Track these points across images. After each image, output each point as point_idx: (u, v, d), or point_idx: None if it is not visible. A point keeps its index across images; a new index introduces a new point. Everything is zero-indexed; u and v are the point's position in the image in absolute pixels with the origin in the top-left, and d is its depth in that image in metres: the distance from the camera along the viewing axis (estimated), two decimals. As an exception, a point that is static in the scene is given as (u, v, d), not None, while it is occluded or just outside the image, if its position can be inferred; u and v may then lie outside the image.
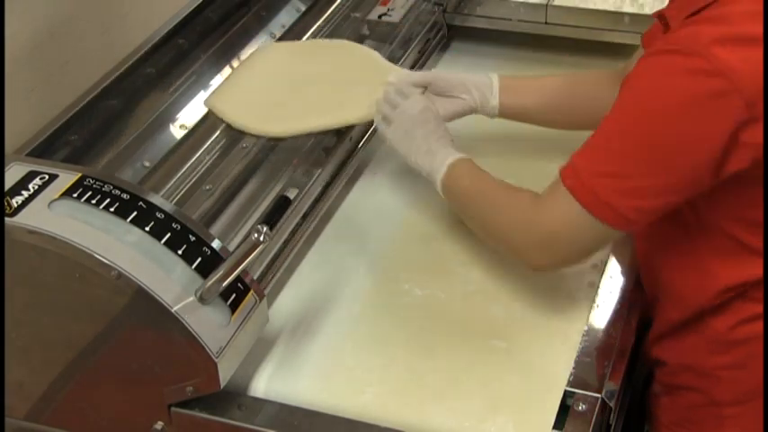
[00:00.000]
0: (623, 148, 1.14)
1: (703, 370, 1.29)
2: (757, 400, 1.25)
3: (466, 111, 1.50)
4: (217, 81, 1.60)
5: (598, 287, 1.34)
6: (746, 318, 1.24)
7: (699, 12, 1.14)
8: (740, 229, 1.20)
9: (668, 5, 1.23)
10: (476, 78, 1.50)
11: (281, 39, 1.72)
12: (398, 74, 1.53)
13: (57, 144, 1.36)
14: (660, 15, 1.24)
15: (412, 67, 1.78)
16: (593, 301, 1.32)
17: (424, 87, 1.49)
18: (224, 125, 1.48)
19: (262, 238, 1.11)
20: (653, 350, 1.37)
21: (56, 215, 1.14)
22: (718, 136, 1.09)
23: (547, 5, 1.83)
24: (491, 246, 1.37)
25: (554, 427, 1.15)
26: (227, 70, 1.64)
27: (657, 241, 1.30)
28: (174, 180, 1.38)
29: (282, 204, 1.39)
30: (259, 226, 1.12)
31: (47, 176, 1.19)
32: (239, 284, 1.17)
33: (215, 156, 1.43)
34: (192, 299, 1.12)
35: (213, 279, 1.11)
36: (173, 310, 1.10)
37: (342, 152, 1.55)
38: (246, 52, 1.68)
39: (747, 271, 1.22)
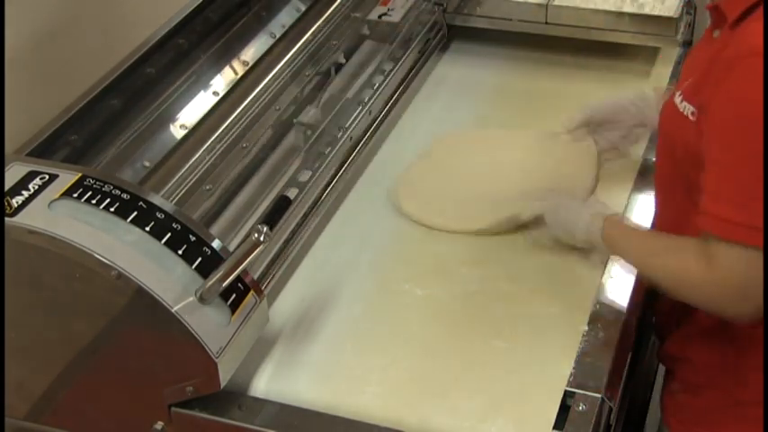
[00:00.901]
0: (752, 171, 1.11)
1: (732, 369, 1.29)
2: None
3: (628, 132, 1.57)
4: (217, 81, 1.61)
5: (598, 287, 1.34)
6: None
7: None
8: None
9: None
10: (632, 96, 1.56)
11: (281, 39, 1.72)
12: (566, 123, 1.60)
13: (57, 144, 1.36)
14: (715, 8, 1.22)
15: (411, 68, 1.79)
16: (594, 300, 1.32)
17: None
18: (225, 125, 1.49)
19: (262, 238, 1.11)
20: (679, 348, 1.37)
21: (56, 215, 1.14)
22: None
23: (547, 5, 1.83)
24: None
25: (554, 427, 1.15)
26: (227, 70, 1.64)
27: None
28: (174, 180, 1.38)
29: (282, 204, 1.39)
30: (259, 226, 1.12)
31: (47, 176, 1.19)
32: (239, 284, 1.17)
33: (215, 156, 1.43)
34: (192, 299, 1.12)
35: (213, 279, 1.11)
36: (173, 311, 1.10)
37: (342, 152, 1.55)
38: (246, 52, 1.68)
39: None
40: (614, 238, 1.33)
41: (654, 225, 1.40)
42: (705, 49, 1.26)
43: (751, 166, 1.10)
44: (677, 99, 1.24)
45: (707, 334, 1.31)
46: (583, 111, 1.60)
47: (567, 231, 1.38)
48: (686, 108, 1.21)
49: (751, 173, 1.10)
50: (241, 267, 1.12)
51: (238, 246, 1.33)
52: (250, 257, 1.12)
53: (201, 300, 1.12)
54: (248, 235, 1.12)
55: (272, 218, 1.36)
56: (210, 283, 1.12)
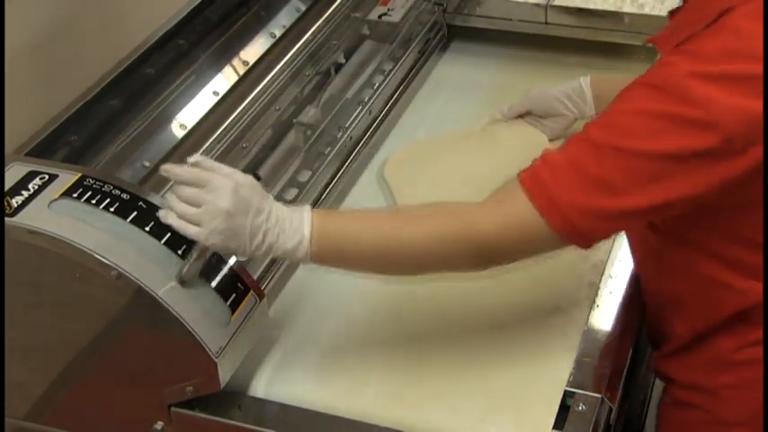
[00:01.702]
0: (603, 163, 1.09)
1: (709, 389, 1.28)
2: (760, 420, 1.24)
3: (570, 124, 1.59)
4: (217, 81, 1.61)
5: (598, 287, 1.34)
6: (751, 341, 1.23)
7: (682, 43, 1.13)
8: (741, 251, 1.19)
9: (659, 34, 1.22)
10: (569, 90, 1.57)
11: (281, 39, 1.72)
12: (499, 111, 1.64)
13: (57, 144, 1.36)
14: (653, 42, 1.21)
15: (411, 68, 1.79)
16: (594, 301, 1.32)
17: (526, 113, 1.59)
18: (225, 125, 1.49)
19: None
20: (662, 366, 1.37)
21: (56, 215, 1.14)
22: (703, 180, 1.07)
23: (547, 5, 1.83)
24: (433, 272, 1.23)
25: (554, 427, 1.15)
26: (227, 70, 1.64)
27: (658, 266, 1.29)
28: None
29: None
30: None
31: (47, 176, 1.19)
32: (239, 284, 1.17)
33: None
34: (193, 300, 1.12)
35: (192, 258, 1.11)
36: (172, 311, 1.10)
37: (342, 152, 1.55)
38: (246, 52, 1.68)
39: (748, 297, 1.21)
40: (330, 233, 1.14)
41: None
42: None
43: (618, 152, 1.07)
44: None
45: (683, 352, 1.31)
46: (522, 102, 1.63)
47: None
48: None
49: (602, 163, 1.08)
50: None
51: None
52: None
53: (182, 283, 1.11)
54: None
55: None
56: (189, 263, 1.11)
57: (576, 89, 1.58)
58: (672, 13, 1.21)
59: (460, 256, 1.15)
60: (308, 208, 1.15)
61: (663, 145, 1.06)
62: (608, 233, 1.18)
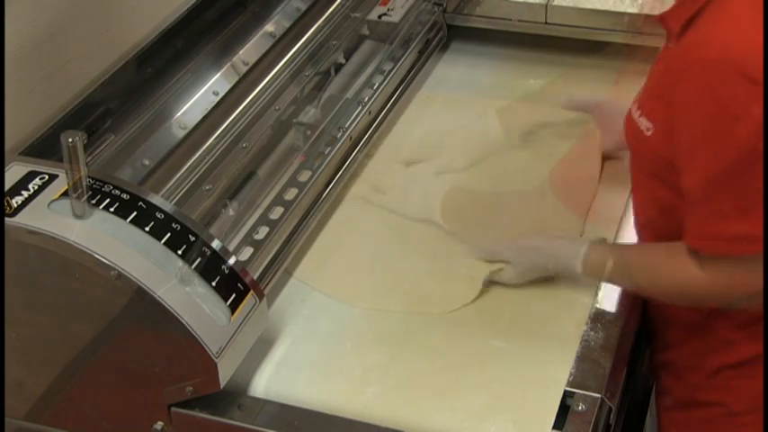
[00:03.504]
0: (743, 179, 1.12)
1: (717, 383, 1.29)
2: None
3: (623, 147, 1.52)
4: (216, 81, 1.60)
5: (598, 287, 1.34)
6: (747, 319, 1.25)
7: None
8: None
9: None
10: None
11: (281, 39, 1.71)
12: (568, 100, 1.62)
13: (57, 144, 1.36)
14: (662, 19, 1.23)
15: (411, 68, 1.79)
16: (594, 301, 1.32)
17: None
18: (225, 125, 1.49)
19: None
20: (662, 357, 1.37)
21: (56, 215, 1.14)
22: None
23: (547, 5, 1.83)
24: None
25: (554, 427, 1.15)
26: (227, 70, 1.64)
27: (667, 221, 1.29)
28: (174, 180, 1.38)
29: None
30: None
31: (47, 176, 1.19)
32: (239, 284, 1.17)
33: (215, 156, 1.43)
34: (193, 300, 1.12)
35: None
36: (172, 311, 1.10)
37: (341, 152, 1.55)
38: (246, 52, 1.68)
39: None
40: (600, 262, 1.29)
41: (636, 225, 1.39)
42: (659, 62, 1.26)
43: (740, 176, 1.11)
44: (635, 113, 1.25)
45: (687, 352, 1.32)
46: (592, 99, 1.61)
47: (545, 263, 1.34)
48: (642, 123, 1.22)
49: (743, 180, 1.11)
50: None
51: (238, 246, 1.34)
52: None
53: (75, 217, 1.12)
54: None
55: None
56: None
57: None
58: None
59: None
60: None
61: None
62: None
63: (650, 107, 1.21)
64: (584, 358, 1.23)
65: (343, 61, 1.71)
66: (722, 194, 1.13)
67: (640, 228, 1.36)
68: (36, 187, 1.17)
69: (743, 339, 1.26)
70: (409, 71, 1.78)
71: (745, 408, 1.28)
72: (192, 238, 1.16)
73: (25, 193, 1.16)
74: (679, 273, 1.21)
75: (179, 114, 1.53)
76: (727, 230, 1.14)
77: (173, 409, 1.18)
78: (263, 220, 1.39)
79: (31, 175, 1.19)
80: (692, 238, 1.18)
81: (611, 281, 1.31)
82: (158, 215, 1.16)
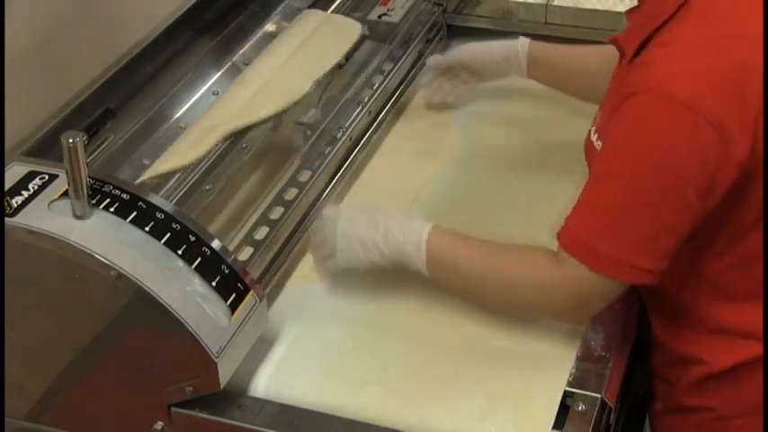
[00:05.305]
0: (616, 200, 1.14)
1: (706, 388, 1.29)
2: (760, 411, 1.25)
3: (499, 78, 1.66)
4: (217, 80, 1.61)
5: (598, 287, 1.34)
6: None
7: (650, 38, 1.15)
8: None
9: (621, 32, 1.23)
10: (504, 51, 1.60)
11: (280, 39, 1.72)
12: (433, 59, 1.68)
13: (57, 144, 1.36)
14: (614, 41, 1.23)
15: (411, 68, 1.79)
16: (593, 301, 1.32)
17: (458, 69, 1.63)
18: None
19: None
20: (660, 373, 1.37)
21: (56, 215, 1.14)
22: (701, 168, 1.10)
23: (547, 5, 1.83)
24: (513, 310, 1.31)
25: (554, 427, 1.15)
26: (227, 70, 1.64)
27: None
28: (174, 180, 1.38)
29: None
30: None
31: (47, 176, 1.19)
32: (239, 284, 1.17)
33: (215, 156, 1.43)
34: (193, 300, 1.12)
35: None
36: (172, 311, 1.10)
37: (341, 152, 1.55)
38: (246, 52, 1.68)
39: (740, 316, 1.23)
40: (442, 250, 1.26)
41: None
42: (612, 84, 1.26)
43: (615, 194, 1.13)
44: (593, 136, 1.26)
45: (671, 359, 1.32)
46: (453, 56, 1.67)
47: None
48: (599, 146, 1.23)
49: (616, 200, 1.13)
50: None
51: (238, 246, 1.34)
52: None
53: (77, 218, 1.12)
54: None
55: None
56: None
57: (512, 51, 1.59)
58: (629, 12, 1.23)
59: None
60: (426, 228, 1.27)
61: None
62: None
63: (604, 129, 1.21)
64: (584, 358, 1.23)
65: (343, 61, 1.71)
66: (617, 212, 1.14)
67: None
68: (36, 187, 1.17)
69: (724, 350, 1.26)
70: (409, 71, 1.78)
71: (735, 412, 1.28)
72: (192, 238, 1.16)
73: (25, 193, 1.16)
74: (529, 262, 1.23)
75: (179, 114, 1.53)
76: (601, 248, 1.14)
77: (173, 409, 1.18)
78: (263, 220, 1.39)
79: (31, 175, 1.19)
80: (566, 236, 1.18)
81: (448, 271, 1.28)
82: (158, 215, 1.16)
